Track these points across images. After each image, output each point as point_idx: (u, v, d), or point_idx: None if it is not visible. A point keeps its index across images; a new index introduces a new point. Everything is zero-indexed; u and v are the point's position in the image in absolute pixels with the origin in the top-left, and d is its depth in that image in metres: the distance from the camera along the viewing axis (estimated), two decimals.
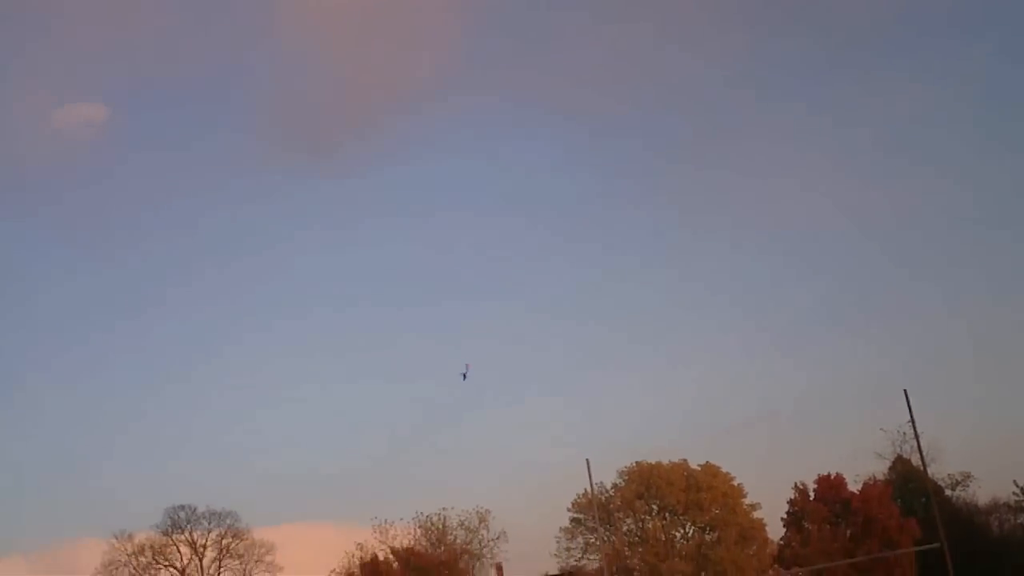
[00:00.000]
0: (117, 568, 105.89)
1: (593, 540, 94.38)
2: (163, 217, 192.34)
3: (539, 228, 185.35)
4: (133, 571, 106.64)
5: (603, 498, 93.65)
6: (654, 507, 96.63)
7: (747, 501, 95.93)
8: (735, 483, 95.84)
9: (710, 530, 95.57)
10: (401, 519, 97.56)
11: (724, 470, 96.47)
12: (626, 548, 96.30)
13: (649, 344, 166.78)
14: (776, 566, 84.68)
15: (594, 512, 74.59)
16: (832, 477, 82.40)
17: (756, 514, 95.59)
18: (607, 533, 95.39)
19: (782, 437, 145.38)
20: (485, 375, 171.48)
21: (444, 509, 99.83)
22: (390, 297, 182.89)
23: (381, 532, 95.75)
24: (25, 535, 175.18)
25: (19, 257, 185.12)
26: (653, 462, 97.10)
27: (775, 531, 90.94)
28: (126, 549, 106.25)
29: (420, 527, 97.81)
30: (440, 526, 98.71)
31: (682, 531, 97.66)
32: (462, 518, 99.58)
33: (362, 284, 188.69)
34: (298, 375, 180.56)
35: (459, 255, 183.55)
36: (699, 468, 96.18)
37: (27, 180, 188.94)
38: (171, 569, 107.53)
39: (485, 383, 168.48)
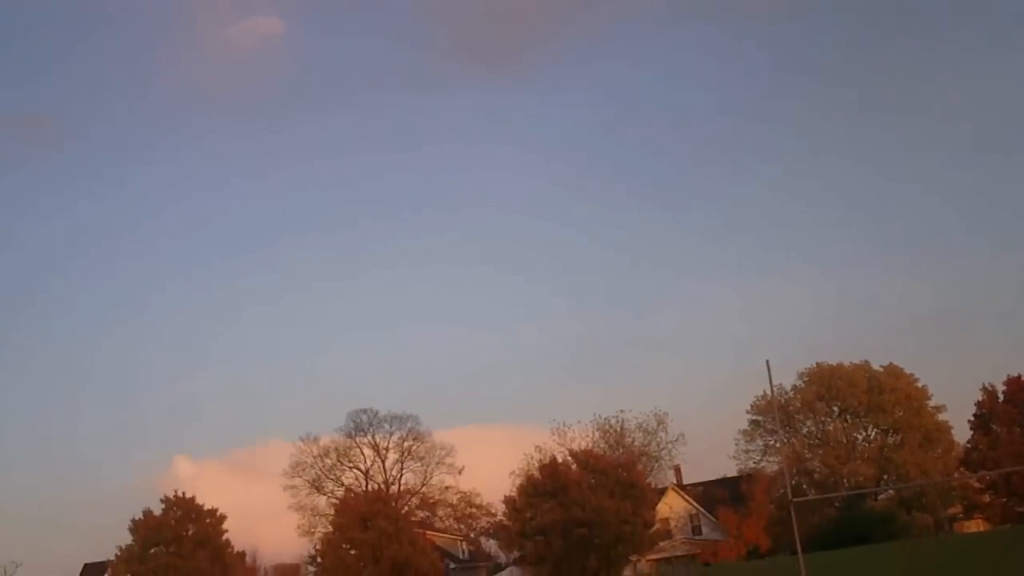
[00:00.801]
0: (303, 469, 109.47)
1: (772, 442, 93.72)
2: (339, 129, 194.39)
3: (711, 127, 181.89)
4: (319, 472, 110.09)
5: (783, 400, 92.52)
6: (835, 409, 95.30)
7: (931, 403, 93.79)
8: (919, 384, 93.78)
9: (893, 432, 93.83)
10: (579, 421, 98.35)
11: (907, 371, 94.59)
12: (806, 451, 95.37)
13: (831, 242, 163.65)
14: (962, 469, 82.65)
15: (774, 414, 73.78)
16: (1023, 379, 79.60)
17: (941, 416, 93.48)
18: (787, 435, 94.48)
19: (969, 337, 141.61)
20: (660, 272, 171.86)
21: (622, 411, 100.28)
22: (566, 199, 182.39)
23: (559, 434, 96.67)
24: (219, 439, 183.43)
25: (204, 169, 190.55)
26: (834, 363, 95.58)
27: (961, 434, 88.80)
28: (312, 451, 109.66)
29: (598, 429, 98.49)
30: (618, 428, 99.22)
31: (864, 433, 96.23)
32: (640, 420, 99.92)
33: (536, 183, 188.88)
34: (473, 277, 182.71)
35: (632, 159, 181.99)
36: (881, 369, 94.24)
37: (206, 97, 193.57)
38: (355, 470, 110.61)
39: (661, 281, 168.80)
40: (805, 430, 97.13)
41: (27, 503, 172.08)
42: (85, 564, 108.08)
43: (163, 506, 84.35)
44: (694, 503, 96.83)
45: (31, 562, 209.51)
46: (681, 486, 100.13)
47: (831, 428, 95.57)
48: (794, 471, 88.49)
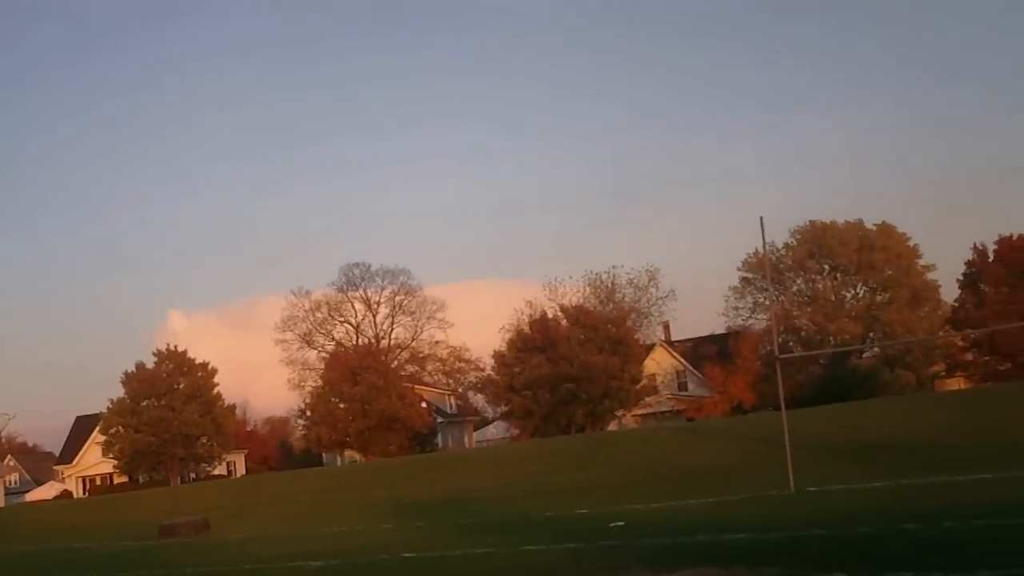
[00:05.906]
0: (295, 323, 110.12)
1: (762, 299, 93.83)
2: None
3: None
4: (310, 326, 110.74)
5: (774, 258, 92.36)
6: (826, 267, 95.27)
7: (921, 262, 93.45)
8: (910, 244, 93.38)
9: (881, 291, 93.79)
10: (571, 277, 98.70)
11: (900, 230, 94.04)
12: (795, 308, 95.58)
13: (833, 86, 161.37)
14: (948, 327, 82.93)
15: (765, 271, 73.33)
16: (1014, 238, 79.06)
17: (930, 276, 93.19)
18: (776, 293, 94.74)
19: (962, 197, 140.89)
20: (656, 122, 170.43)
21: (614, 267, 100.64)
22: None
23: (551, 290, 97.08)
24: (215, 292, 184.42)
25: None
26: (828, 221, 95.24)
27: (949, 293, 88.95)
28: (304, 305, 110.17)
29: (589, 285, 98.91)
30: (609, 284, 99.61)
31: (852, 292, 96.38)
32: (631, 276, 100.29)
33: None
34: (466, 130, 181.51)
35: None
36: (875, 228, 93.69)
37: None
38: (346, 325, 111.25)
39: (657, 133, 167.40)
40: (795, 288, 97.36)
41: (22, 355, 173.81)
42: (77, 416, 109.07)
43: (155, 359, 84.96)
44: (681, 359, 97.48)
45: (24, 413, 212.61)
46: (669, 342, 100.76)
47: (820, 286, 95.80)
48: (782, 328, 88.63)
